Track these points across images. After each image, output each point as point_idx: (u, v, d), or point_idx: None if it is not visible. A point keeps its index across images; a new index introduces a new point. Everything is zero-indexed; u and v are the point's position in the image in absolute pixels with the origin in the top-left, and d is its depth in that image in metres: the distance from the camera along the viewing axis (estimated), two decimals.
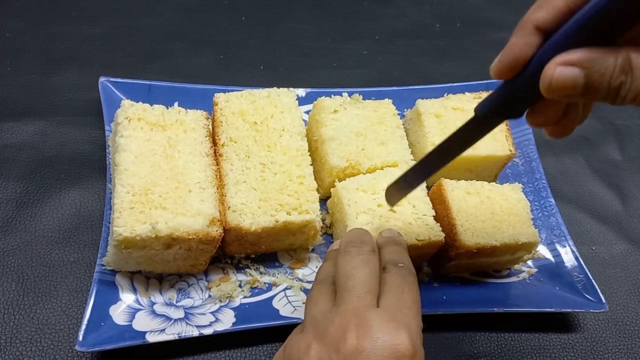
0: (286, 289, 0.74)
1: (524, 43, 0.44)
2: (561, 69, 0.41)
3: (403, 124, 0.86)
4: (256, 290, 0.73)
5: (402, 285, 0.56)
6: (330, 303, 0.55)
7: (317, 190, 0.74)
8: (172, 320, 0.68)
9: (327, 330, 0.51)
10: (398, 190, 0.66)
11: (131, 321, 0.67)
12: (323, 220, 0.80)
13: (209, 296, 0.72)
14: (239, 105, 0.79)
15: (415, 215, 0.73)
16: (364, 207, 0.73)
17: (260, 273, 0.75)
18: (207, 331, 0.67)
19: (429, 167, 0.60)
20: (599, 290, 0.76)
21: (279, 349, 0.56)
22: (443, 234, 0.72)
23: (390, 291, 0.55)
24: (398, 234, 0.65)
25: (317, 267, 0.77)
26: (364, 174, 0.78)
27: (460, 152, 0.56)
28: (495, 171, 0.87)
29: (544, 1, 0.43)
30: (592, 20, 0.40)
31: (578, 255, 0.80)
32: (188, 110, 0.78)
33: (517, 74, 0.45)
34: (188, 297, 0.72)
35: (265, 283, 0.74)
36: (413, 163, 0.79)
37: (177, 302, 0.71)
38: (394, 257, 0.60)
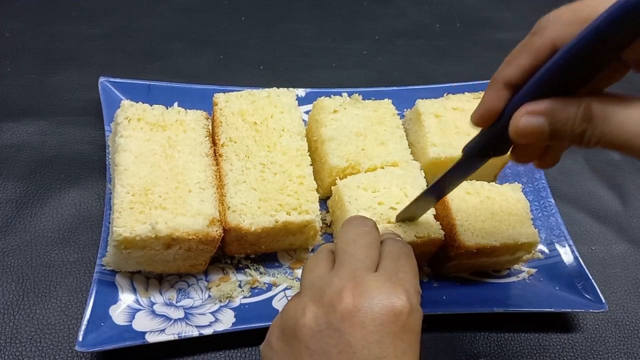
0: (286, 289, 0.74)
1: (495, 97, 0.49)
2: (526, 117, 0.45)
3: (403, 124, 0.86)
4: (256, 291, 0.73)
5: (399, 254, 0.56)
6: (328, 270, 0.55)
7: (317, 190, 0.74)
8: (172, 321, 0.68)
9: (324, 291, 0.51)
10: (405, 216, 0.71)
11: (131, 321, 0.67)
12: (323, 220, 0.80)
13: (209, 296, 0.72)
14: (239, 106, 0.79)
15: None
16: (365, 205, 0.73)
17: (260, 273, 0.75)
18: (207, 331, 0.67)
19: (426, 201, 0.68)
20: (598, 290, 0.76)
21: (276, 317, 0.55)
22: (442, 232, 0.72)
23: (387, 258, 0.55)
24: (397, 235, 0.65)
25: None
26: (365, 173, 0.78)
27: (455, 186, 0.65)
28: (495, 171, 0.87)
29: (511, 59, 0.48)
30: (553, 75, 0.44)
31: (578, 255, 0.80)
32: (188, 110, 0.78)
33: (493, 123, 0.51)
34: (188, 297, 0.72)
35: (265, 283, 0.74)
36: (413, 162, 0.80)
37: (177, 302, 0.71)
38: (392, 236, 0.61)
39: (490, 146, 0.54)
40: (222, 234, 0.68)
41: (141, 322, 0.67)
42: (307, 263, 0.57)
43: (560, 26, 0.45)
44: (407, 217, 0.72)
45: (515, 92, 0.48)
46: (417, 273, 0.56)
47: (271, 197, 0.72)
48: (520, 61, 0.47)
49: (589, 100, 0.43)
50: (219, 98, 0.80)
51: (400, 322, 0.49)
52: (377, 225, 0.70)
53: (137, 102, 0.76)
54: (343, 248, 0.55)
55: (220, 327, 0.68)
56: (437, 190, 0.65)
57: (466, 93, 0.89)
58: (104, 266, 0.69)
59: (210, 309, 0.70)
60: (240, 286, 0.73)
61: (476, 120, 0.52)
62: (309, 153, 0.77)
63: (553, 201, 0.86)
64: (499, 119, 0.50)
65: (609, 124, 0.42)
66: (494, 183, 0.80)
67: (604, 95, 0.44)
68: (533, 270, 0.81)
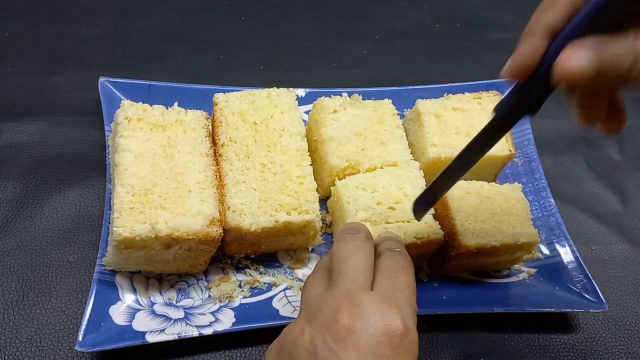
0: (286, 289, 0.74)
1: (532, 47, 0.46)
2: (575, 53, 0.42)
3: (403, 124, 0.86)
4: (256, 291, 0.73)
5: (396, 270, 0.56)
6: (324, 288, 0.55)
7: (317, 190, 0.74)
8: (172, 321, 0.68)
9: (320, 311, 0.51)
10: (426, 199, 0.66)
11: (131, 321, 0.67)
12: (323, 219, 0.80)
13: (209, 296, 0.72)
14: (239, 106, 0.79)
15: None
16: (364, 205, 0.73)
17: (260, 273, 0.75)
18: (207, 331, 0.67)
19: (456, 171, 0.61)
20: (598, 290, 0.76)
21: (275, 340, 0.55)
22: (442, 232, 0.72)
23: (383, 275, 0.55)
24: (395, 235, 0.65)
25: None
26: (364, 173, 0.78)
27: (485, 152, 0.59)
28: (494, 171, 0.87)
29: (549, 4, 0.46)
30: (597, 12, 0.42)
31: (578, 255, 0.80)
32: (188, 110, 0.78)
33: (527, 77, 0.47)
34: (188, 297, 0.72)
35: (265, 283, 0.74)
36: (413, 162, 0.80)
37: (177, 302, 0.71)
38: (389, 245, 0.60)
39: (524, 103, 0.51)
40: (222, 234, 0.68)
41: (141, 322, 0.67)
42: (305, 283, 0.58)
43: None
44: (425, 201, 0.66)
45: (552, 41, 0.46)
46: (414, 289, 0.55)
47: (271, 197, 0.72)
48: (561, 3, 0.45)
49: (637, 33, 0.41)
50: (219, 98, 0.80)
51: (394, 344, 0.49)
52: (377, 227, 0.70)
53: (137, 102, 0.76)
54: (337, 267, 0.55)
55: (220, 327, 0.68)
56: (466, 158, 0.60)
57: (466, 93, 0.89)
58: (104, 266, 0.69)
59: (210, 309, 0.70)
60: (240, 286, 0.73)
61: (511, 72, 0.48)
62: (308, 153, 0.77)
63: (553, 201, 0.86)
64: (535, 71, 0.47)
65: None
66: (494, 183, 0.80)
67: None
68: (533, 270, 0.81)
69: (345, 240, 0.57)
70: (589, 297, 0.76)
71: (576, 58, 0.43)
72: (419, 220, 0.68)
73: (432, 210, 0.74)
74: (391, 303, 0.51)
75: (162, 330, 0.66)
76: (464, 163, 0.60)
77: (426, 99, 0.87)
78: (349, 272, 0.54)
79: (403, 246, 0.62)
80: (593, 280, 0.77)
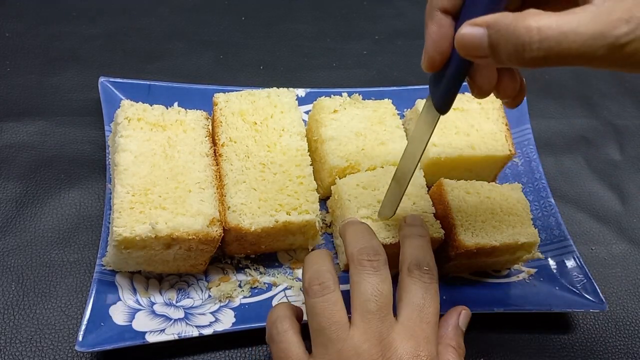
0: (286, 289, 0.74)
1: (438, 26, 0.48)
2: (469, 28, 0.44)
3: (403, 124, 0.86)
4: (256, 290, 0.73)
5: (425, 298, 0.57)
6: (346, 325, 0.55)
7: (317, 190, 0.74)
8: (172, 321, 0.68)
9: (359, 357, 0.53)
10: (389, 203, 0.68)
11: (131, 321, 0.67)
12: (323, 219, 0.80)
13: (209, 296, 0.72)
14: (239, 106, 0.79)
15: (415, 212, 0.73)
16: (365, 203, 0.73)
17: (260, 273, 0.75)
18: (207, 331, 0.67)
19: (405, 173, 0.64)
20: (598, 290, 0.76)
21: None
22: (443, 231, 0.72)
23: (410, 305, 0.57)
24: (422, 222, 0.65)
25: None
26: (364, 172, 0.78)
27: (424, 145, 0.59)
28: (494, 171, 0.87)
29: None
30: None
31: (578, 255, 0.80)
32: (188, 110, 0.78)
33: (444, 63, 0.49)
34: (188, 297, 0.72)
35: (265, 283, 0.74)
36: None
37: (177, 302, 0.71)
38: (418, 255, 0.60)
39: (437, 96, 0.53)
40: (222, 234, 0.68)
41: (141, 322, 0.67)
42: (317, 314, 0.56)
43: None
44: (385, 212, 0.70)
45: (454, 18, 0.47)
46: (437, 319, 0.57)
47: (271, 197, 0.72)
48: None
49: (532, 10, 0.41)
50: (219, 98, 0.80)
51: None
52: (378, 223, 0.70)
53: (137, 102, 0.76)
54: (363, 305, 0.56)
55: (220, 327, 0.68)
56: (410, 157, 0.62)
57: (466, 93, 0.88)
58: (104, 266, 0.69)
59: (210, 309, 0.70)
60: (240, 286, 0.73)
61: (431, 56, 0.49)
62: (308, 153, 0.77)
63: (553, 201, 0.86)
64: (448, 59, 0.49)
65: (556, 31, 0.40)
66: (494, 183, 0.80)
67: (547, 11, 0.41)
68: (533, 270, 0.81)
69: (366, 270, 0.57)
70: (589, 297, 0.76)
71: (470, 32, 0.44)
72: (387, 215, 0.69)
73: (432, 209, 0.74)
74: (420, 338, 0.54)
75: (162, 330, 0.66)
76: (409, 162, 0.62)
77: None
78: (379, 312, 0.55)
79: (429, 241, 0.64)
80: (593, 280, 0.77)
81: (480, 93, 0.52)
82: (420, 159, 0.61)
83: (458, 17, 0.48)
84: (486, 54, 0.43)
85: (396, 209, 0.68)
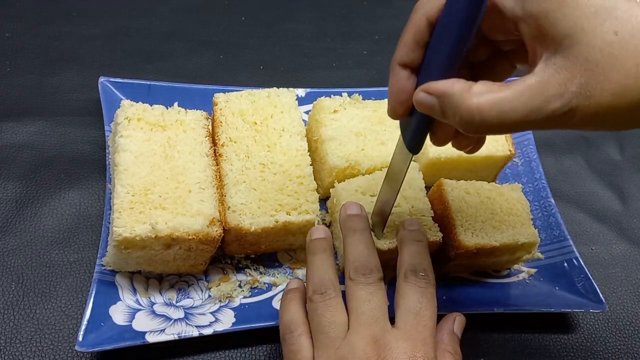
0: None
1: (397, 80, 0.50)
2: (423, 95, 0.47)
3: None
4: (256, 290, 0.73)
5: (421, 302, 0.58)
6: (343, 326, 0.57)
7: (317, 190, 0.74)
8: (172, 321, 0.68)
9: (354, 355, 0.54)
10: (379, 217, 0.70)
11: (131, 321, 0.67)
12: (323, 220, 0.80)
13: (209, 296, 0.72)
14: (239, 105, 0.79)
15: (413, 215, 0.73)
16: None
17: (260, 273, 0.75)
18: (207, 331, 0.67)
19: (385, 203, 0.66)
20: (598, 290, 0.76)
21: None
22: (441, 234, 0.72)
23: (406, 309, 0.57)
24: (419, 226, 0.66)
25: None
26: (364, 174, 0.78)
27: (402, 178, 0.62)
28: (494, 171, 0.87)
29: (400, 42, 0.50)
30: (438, 51, 0.47)
31: (578, 255, 0.80)
32: (188, 110, 0.78)
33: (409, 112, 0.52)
34: (188, 297, 0.72)
35: (265, 283, 0.74)
36: (412, 164, 0.79)
37: (177, 302, 0.71)
38: (414, 261, 0.61)
39: (408, 138, 0.55)
40: (222, 234, 0.68)
41: (141, 322, 0.67)
42: (319, 316, 0.58)
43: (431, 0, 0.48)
44: (379, 218, 0.71)
45: (415, 72, 0.50)
46: (434, 323, 0.58)
47: (271, 197, 0.72)
48: (405, 39, 0.49)
49: (476, 87, 0.44)
50: (219, 98, 0.80)
51: None
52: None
53: (137, 102, 0.76)
54: (358, 307, 0.57)
55: (220, 327, 0.68)
56: (388, 190, 0.65)
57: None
58: (104, 266, 0.69)
59: (210, 309, 0.70)
60: (240, 286, 0.73)
61: (391, 113, 0.53)
62: (308, 153, 0.77)
63: (553, 201, 0.86)
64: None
65: (495, 110, 0.43)
66: (494, 183, 0.80)
67: (491, 83, 0.44)
68: (533, 270, 0.81)
69: (361, 283, 0.59)
70: (589, 297, 0.76)
71: (426, 99, 0.47)
72: (378, 236, 0.70)
73: (431, 212, 0.74)
74: (416, 340, 0.55)
75: (162, 330, 0.66)
76: (389, 195, 0.65)
77: None
78: (373, 314, 0.57)
79: (426, 245, 0.64)
80: (593, 280, 0.77)
81: (437, 143, 0.55)
82: (398, 193, 0.64)
83: (418, 71, 0.50)
84: (439, 116, 0.47)
85: (382, 230, 0.70)
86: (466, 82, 0.45)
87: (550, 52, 0.42)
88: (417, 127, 0.53)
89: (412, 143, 0.56)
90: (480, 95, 0.43)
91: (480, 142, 0.56)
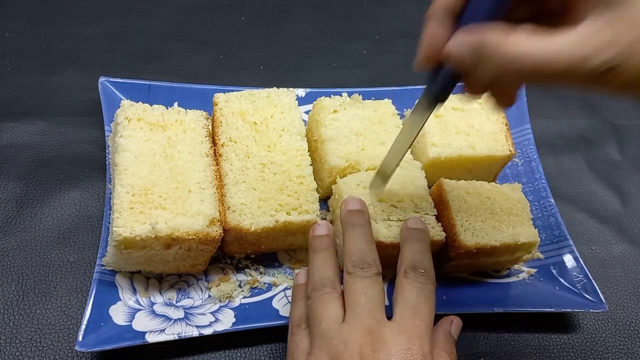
0: (286, 289, 0.74)
1: (436, 31, 0.48)
2: (453, 45, 0.47)
3: (403, 124, 0.86)
4: (256, 291, 0.73)
5: (419, 297, 0.58)
6: (338, 317, 0.57)
7: (317, 190, 0.74)
8: (172, 321, 0.68)
9: (344, 347, 0.54)
10: (381, 176, 0.70)
11: (131, 321, 0.67)
12: (323, 219, 0.80)
13: (209, 296, 0.72)
14: (239, 106, 0.79)
15: (417, 214, 0.73)
16: (366, 202, 0.73)
17: (260, 273, 0.75)
18: (207, 331, 0.67)
19: (399, 149, 0.66)
20: (598, 290, 0.76)
21: None
22: (444, 234, 0.72)
23: (404, 303, 0.57)
24: (423, 225, 0.66)
25: None
26: (365, 172, 0.78)
27: (416, 134, 0.61)
28: (494, 171, 0.87)
29: None
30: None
31: (578, 255, 0.80)
32: (188, 110, 0.78)
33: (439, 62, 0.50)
34: (188, 297, 0.72)
35: (265, 283, 0.74)
36: (414, 162, 0.80)
37: (176, 302, 0.71)
38: (415, 258, 0.61)
39: (434, 91, 0.54)
40: (222, 234, 0.68)
41: (141, 322, 0.67)
42: (313, 310, 0.59)
43: None
44: (376, 186, 0.71)
45: (456, 19, 0.48)
46: (432, 319, 0.58)
47: (271, 197, 0.72)
48: None
49: (519, 31, 0.43)
50: (219, 98, 0.80)
51: None
52: (379, 224, 0.71)
53: (137, 102, 0.76)
54: (354, 300, 0.57)
55: (220, 327, 0.68)
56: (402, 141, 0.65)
57: (466, 93, 0.88)
58: (104, 266, 0.69)
59: (210, 309, 0.70)
60: (240, 286, 0.73)
61: (419, 63, 0.51)
62: (308, 153, 0.77)
63: (553, 201, 0.86)
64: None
65: (538, 57, 0.42)
66: (494, 183, 0.80)
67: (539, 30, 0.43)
68: (533, 270, 0.81)
69: (358, 276, 0.59)
70: (589, 297, 0.76)
71: (457, 49, 0.46)
72: (379, 189, 0.71)
73: (434, 211, 0.74)
74: (412, 333, 0.55)
75: (162, 330, 0.66)
76: (403, 145, 0.65)
77: None
78: (368, 306, 0.57)
79: (429, 244, 0.64)
80: (593, 280, 0.77)
81: (472, 91, 0.53)
82: (411, 145, 0.63)
83: (460, 16, 0.48)
84: (469, 70, 0.47)
85: (386, 183, 0.70)
86: (508, 25, 0.44)
87: (600, 9, 0.41)
88: (449, 74, 0.51)
89: (442, 92, 0.54)
90: (522, 40, 0.42)
91: (512, 98, 0.54)
